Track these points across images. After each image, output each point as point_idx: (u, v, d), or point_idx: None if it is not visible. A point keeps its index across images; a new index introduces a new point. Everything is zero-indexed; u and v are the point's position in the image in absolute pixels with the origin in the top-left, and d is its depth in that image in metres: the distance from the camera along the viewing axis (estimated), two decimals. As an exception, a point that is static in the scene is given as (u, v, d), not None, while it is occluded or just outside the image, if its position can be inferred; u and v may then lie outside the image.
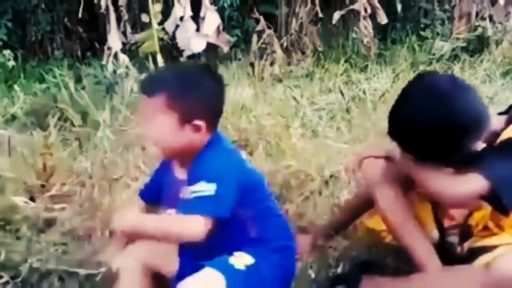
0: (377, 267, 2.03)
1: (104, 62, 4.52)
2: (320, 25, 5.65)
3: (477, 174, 1.68)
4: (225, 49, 5.04)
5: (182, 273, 1.62)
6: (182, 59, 4.84)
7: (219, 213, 1.53)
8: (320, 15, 5.49)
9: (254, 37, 5.25)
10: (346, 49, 5.55)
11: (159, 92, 1.59)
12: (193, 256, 1.63)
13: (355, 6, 5.45)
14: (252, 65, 5.01)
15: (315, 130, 3.57)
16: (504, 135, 1.79)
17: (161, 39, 4.68)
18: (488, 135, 1.79)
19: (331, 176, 2.81)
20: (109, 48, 4.52)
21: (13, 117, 3.80)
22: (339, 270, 2.08)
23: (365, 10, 5.42)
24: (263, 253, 1.65)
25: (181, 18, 4.71)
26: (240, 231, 1.63)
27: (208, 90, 1.63)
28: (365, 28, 5.43)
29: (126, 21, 4.95)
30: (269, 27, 5.31)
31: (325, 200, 2.60)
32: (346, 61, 5.19)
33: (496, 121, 1.84)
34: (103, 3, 4.55)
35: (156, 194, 1.81)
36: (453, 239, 1.97)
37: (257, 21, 5.35)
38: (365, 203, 2.12)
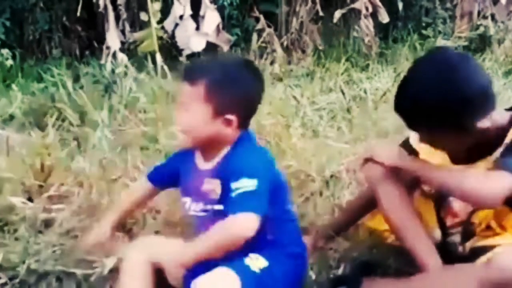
0: (378, 268, 2.01)
1: (102, 61, 4.49)
2: (321, 24, 5.63)
3: (505, 172, 1.67)
4: (225, 48, 5.02)
5: (195, 271, 1.59)
6: (181, 59, 4.82)
7: (263, 209, 1.53)
8: (321, 13, 5.47)
9: (254, 36, 5.23)
10: (347, 48, 5.52)
11: (200, 81, 1.59)
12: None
13: (356, 5, 5.43)
14: (252, 64, 4.99)
15: (315, 129, 3.54)
16: None
17: (160, 38, 4.66)
18: (495, 130, 1.77)
19: (331, 176, 2.78)
20: (107, 47, 4.49)
21: (11, 117, 3.77)
22: (340, 271, 2.05)
23: (366, 8, 5.40)
24: (277, 257, 1.64)
25: (181, 17, 4.69)
26: (258, 231, 1.60)
27: (246, 87, 1.63)
28: (366, 27, 5.41)
29: (124, 20, 4.91)
30: (269, 26, 5.28)
31: (326, 200, 2.58)
32: (347, 60, 5.16)
33: (504, 116, 1.82)
34: (101, 2, 4.52)
35: (168, 179, 1.81)
36: (455, 238, 1.95)
37: (257, 19, 5.33)
38: (367, 204, 2.10)
